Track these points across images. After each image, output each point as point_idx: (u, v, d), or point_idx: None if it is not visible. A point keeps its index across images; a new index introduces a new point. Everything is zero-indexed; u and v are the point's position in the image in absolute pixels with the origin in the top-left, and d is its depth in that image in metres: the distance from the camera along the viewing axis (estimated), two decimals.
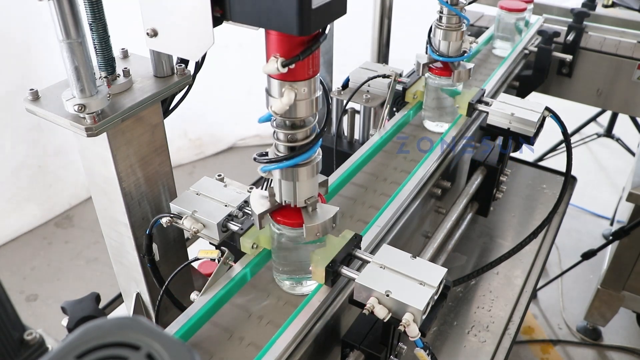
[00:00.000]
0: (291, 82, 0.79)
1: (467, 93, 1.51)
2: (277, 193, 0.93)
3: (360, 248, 1.03)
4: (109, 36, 1.03)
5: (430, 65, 1.49)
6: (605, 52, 2.23)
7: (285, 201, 0.93)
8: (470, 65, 1.46)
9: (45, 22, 2.83)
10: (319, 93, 0.83)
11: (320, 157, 0.90)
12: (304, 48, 0.75)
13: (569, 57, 2.19)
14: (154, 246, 1.16)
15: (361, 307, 0.91)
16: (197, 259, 1.04)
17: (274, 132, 0.87)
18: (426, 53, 1.49)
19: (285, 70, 0.75)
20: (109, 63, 1.05)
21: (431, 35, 1.45)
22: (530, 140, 1.42)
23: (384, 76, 1.61)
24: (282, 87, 0.79)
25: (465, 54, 1.45)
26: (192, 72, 1.16)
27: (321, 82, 0.85)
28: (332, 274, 0.97)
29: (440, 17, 1.41)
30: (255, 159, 0.88)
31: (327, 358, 1.08)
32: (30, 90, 1.01)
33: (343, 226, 1.24)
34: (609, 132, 3.52)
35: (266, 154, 0.88)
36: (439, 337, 1.41)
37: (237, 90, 3.89)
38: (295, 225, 0.94)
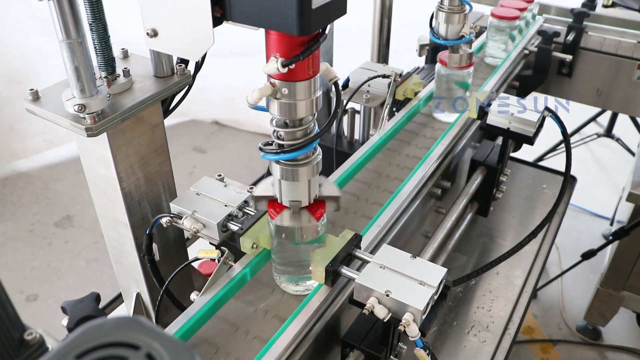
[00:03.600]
0: (276, 81, 0.79)
1: (477, 96, 1.51)
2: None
3: (360, 248, 1.03)
4: (109, 36, 1.03)
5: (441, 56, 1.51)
6: (605, 52, 2.23)
7: (275, 194, 0.93)
8: (471, 50, 1.46)
9: None
10: (315, 96, 0.82)
11: (310, 166, 0.88)
12: (304, 48, 0.75)
13: (569, 57, 2.19)
14: (154, 246, 1.16)
15: (361, 307, 0.91)
16: (197, 259, 1.04)
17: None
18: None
19: (285, 70, 0.75)
20: (109, 63, 1.05)
21: (433, 19, 1.45)
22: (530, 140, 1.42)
23: (384, 76, 1.61)
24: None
25: (465, 38, 1.45)
26: (192, 72, 1.16)
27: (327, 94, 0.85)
28: (332, 274, 0.97)
29: (442, 0, 1.41)
30: (260, 148, 0.88)
31: (327, 358, 1.08)
32: (30, 90, 1.01)
33: (346, 222, 1.24)
34: (609, 132, 3.52)
35: (271, 144, 0.88)
36: (439, 337, 1.41)
37: None
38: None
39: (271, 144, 0.87)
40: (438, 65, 1.56)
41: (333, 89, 0.86)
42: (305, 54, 0.75)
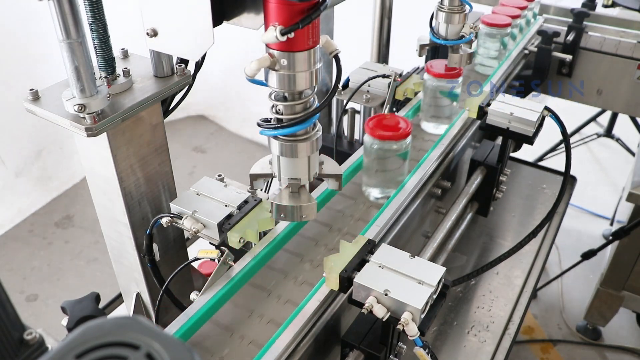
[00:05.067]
0: (274, 52, 0.77)
1: (478, 96, 1.50)
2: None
3: (373, 253, 0.99)
4: (109, 36, 1.03)
5: (429, 67, 1.50)
6: (605, 52, 2.23)
7: (273, 172, 0.91)
8: (471, 50, 1.46)
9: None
10: (315, 68, 0.79)
11: (309, 142, 0.86)
12: (304, 16, 0.73)
13: (569, 57, 2.19)
14: (154, 246, 1.16)
15: (360, 307, 0.91)
16: (197, 259, 1.04)
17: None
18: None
19: (284, 38, 0.72)
20: (109, 63, 1.05)
21: (433, 19, 1.45)
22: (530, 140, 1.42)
23: (384, 76, 1.61)
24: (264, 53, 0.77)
25: (465, 38, 1.45)
26: (192, 72, 1.16)
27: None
28: (346, 281, 0.95)
29: (442, 0, 1.41)
30: (258, 124, 0.86)
31: (327, 358, 1.08)
32: (30, 90, 1.01)
33: (344, 224, 1.24)
34: (609, 132, 3.52)
35: (270, 120, 0.86)
36: (439, 337, 1.41)
37: None
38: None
39: (269, 121, 0.85)
40: (426, 76, 1.55)
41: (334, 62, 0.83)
42: (305, 21, 0.72)
